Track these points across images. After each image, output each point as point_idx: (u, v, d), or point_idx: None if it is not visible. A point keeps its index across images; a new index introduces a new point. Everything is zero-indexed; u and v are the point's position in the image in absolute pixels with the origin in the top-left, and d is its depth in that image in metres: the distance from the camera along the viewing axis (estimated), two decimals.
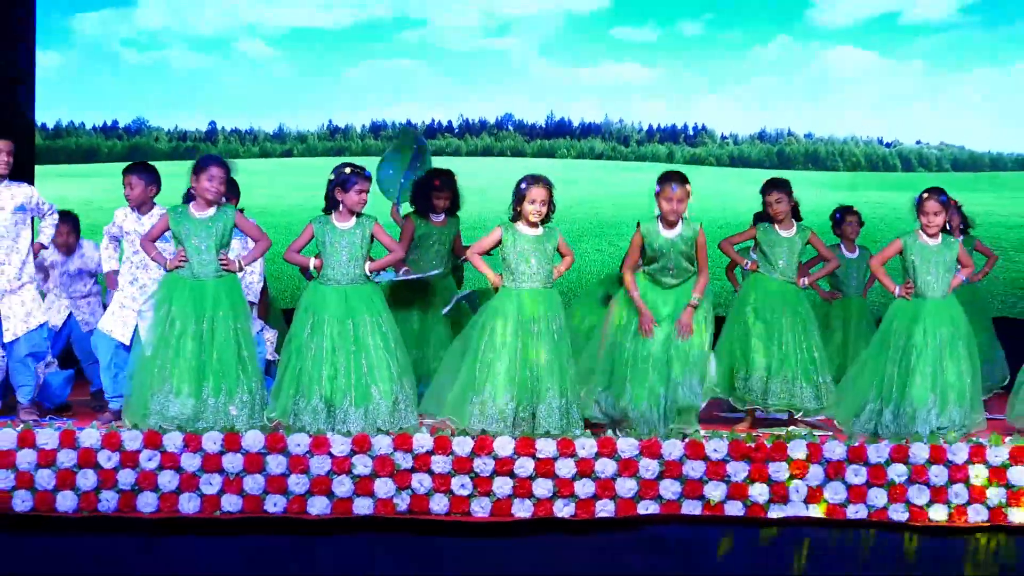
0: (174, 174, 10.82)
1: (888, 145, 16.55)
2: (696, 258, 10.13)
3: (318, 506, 8.94)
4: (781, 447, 9.15)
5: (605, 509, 9.02)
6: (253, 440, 8.96)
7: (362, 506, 8.96)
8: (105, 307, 11.42)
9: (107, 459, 8.91)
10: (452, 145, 16.22)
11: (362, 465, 8.97)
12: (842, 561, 9.11)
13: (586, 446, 9.06)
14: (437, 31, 16.40)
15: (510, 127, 16.43)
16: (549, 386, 9.57)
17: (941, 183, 10.53)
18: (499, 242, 9.76)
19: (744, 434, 9.48)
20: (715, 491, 9.06)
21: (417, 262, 11.58)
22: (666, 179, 9.97)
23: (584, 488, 9.01)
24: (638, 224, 10.10)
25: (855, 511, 9.09)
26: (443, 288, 11.68)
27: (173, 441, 8.95)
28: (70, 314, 11.88)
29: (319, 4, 16.28)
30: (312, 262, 9.68)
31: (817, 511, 9.10)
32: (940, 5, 16.44)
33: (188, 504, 8.90)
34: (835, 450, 9.16)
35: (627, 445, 9.09)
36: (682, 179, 9.96)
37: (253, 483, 8.93)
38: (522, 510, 8.99)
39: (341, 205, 9.61)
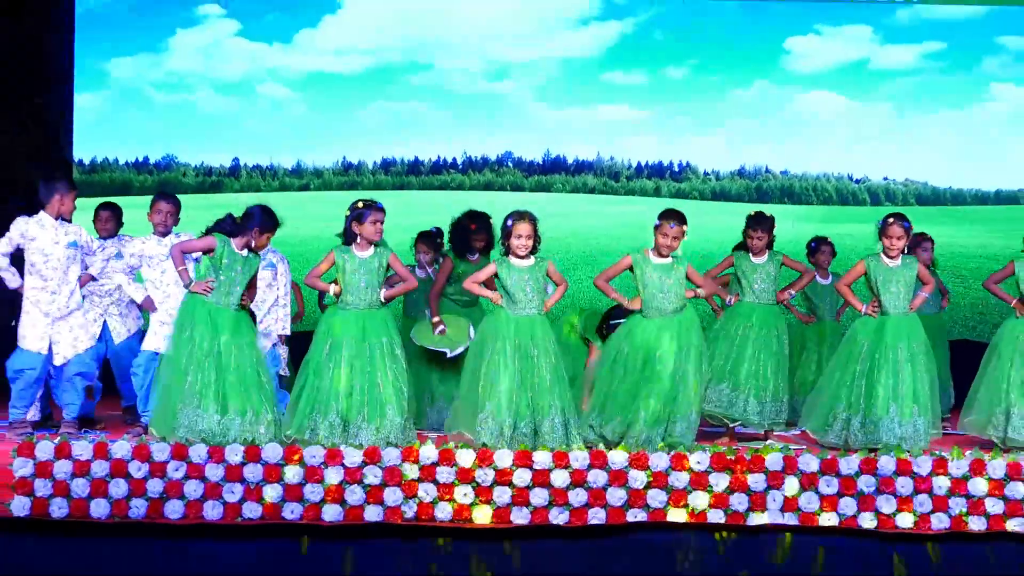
0: (200, 207, 10.86)
1: (857, 181, 16.55)
2: (693, 283, 10.25)
3: (332, 513, 8.92)
4: (759, 460, 9.14)
5: (597, 516, 9.01)
6: (272, 452, 8.96)
7: (372, 513, 8.94)
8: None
9: (137, 469, 8.90)
10: (456, 180, 16.23)
11: (372, 475, 8.96)
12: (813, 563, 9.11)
13: (579, 458, 9.05)
14: (443, 75, 16.42)
15: (510, 164, 16.42)
16: (551, 404, 9.65)
17: (906, 215, 10.53)
18: (495, 275, 9.81)
19: (725, 448, 9.47)
20: (699, 500, 9.05)
21: (452, 296, 11.65)
22: (667, 216, 10.06)
23: (577, 497, 9.00)
24: (631, 252, 10.15)
25: (828, 519, 9.08)
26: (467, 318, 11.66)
27: (198, 453, 8.94)
28: (104, 325, 11.81)
29: (335, 51, 16.31)
30: (332, 288, 9.71)
31: (794, 519, 9.09)
32: (905, 53, 16.46)
33: (212, 511, 8.88)
34: (809, 463, 9.15)
35: (617, 457, 9.09)
36: (681, 219, 10.03)
37: (272, 492, 8.92)
38: (520, 517, 8.98)
39: (359, 237, 9.64)
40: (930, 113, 16.53)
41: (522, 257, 9.83)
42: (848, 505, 9.10)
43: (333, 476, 8.96)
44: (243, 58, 16.27)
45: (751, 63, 16.42)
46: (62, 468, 8.87)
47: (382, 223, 9.71)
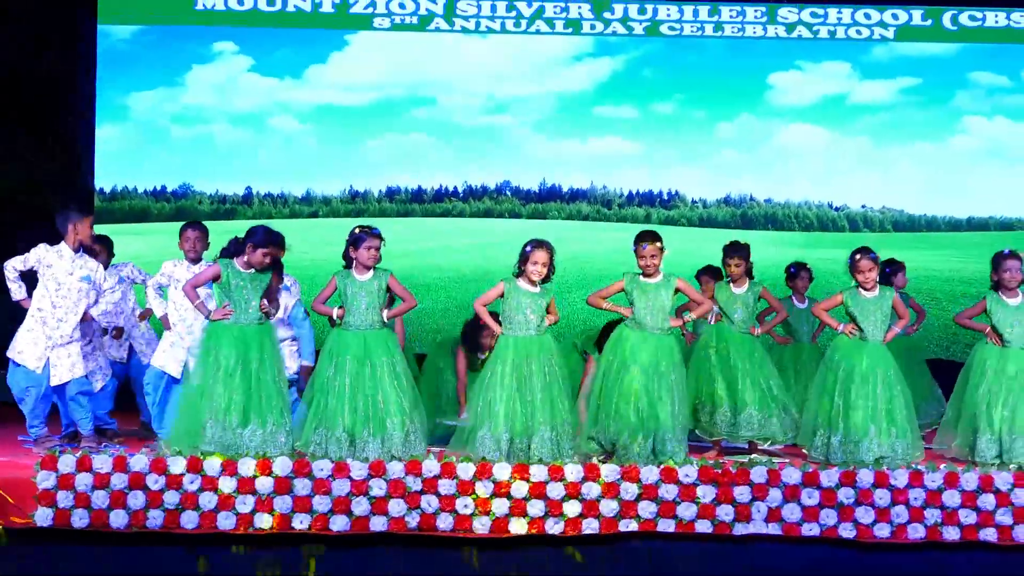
0: (215, 233, 10.88)
1: (837, 209, 16.54)
2: (687, 296, 10.31)
3: (339, 523, 8.92)
4: (744, 473, 9.14)
5: (590, 526, 9.01)
6: (282, 465, 8.96)
7: (378, 523, 8.95)
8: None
9: (154, 482, 8.91)
10: (457, 208, 16.23)
11: (378, 487, 8.97)
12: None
13: (574, 471, 9.06)
14: (445, 109, 16.42)
15: (508, 192, 16.42)
16: (542, 421, 9.62)
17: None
18: (502, 294, 9.81)
19: (712, 461, 9.46)
20: (687, 511, 9.04)
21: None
22: (639, 239, 10.14)
23: (572, 508, 9.00)
24: (624, 274, 10.14)
25: (809, 529, 9.07)
26: None
27: (212, 466, 8.94)
28: (132, 348, 11.87)
29: (343, 85, 16.31)
30: (335, 312, 9.72)
31: (777, 529, 9.08)
32: (882, 88, 16.47)
33: (225, 521, 8.88)
34: (792, 475, 9.15)
35: (609, 471, 9.10)
36: (653, 237, 10.05)
37: (282, 503, 8.91)
38: (518, 527, 8.98)
39: (355, 261, 9.66)
40: (906, 145, 16.53)
41: (532, 283, 9.82)
42: (829, 516, 9.10)
43: (340, 488, 8.96)
44: (256, 92, 16.28)
45: (736, 97, 16.44)
46: (83, 480, 8.88)
47: (377, 249, 9.72)
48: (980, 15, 16.18)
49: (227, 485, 8.93)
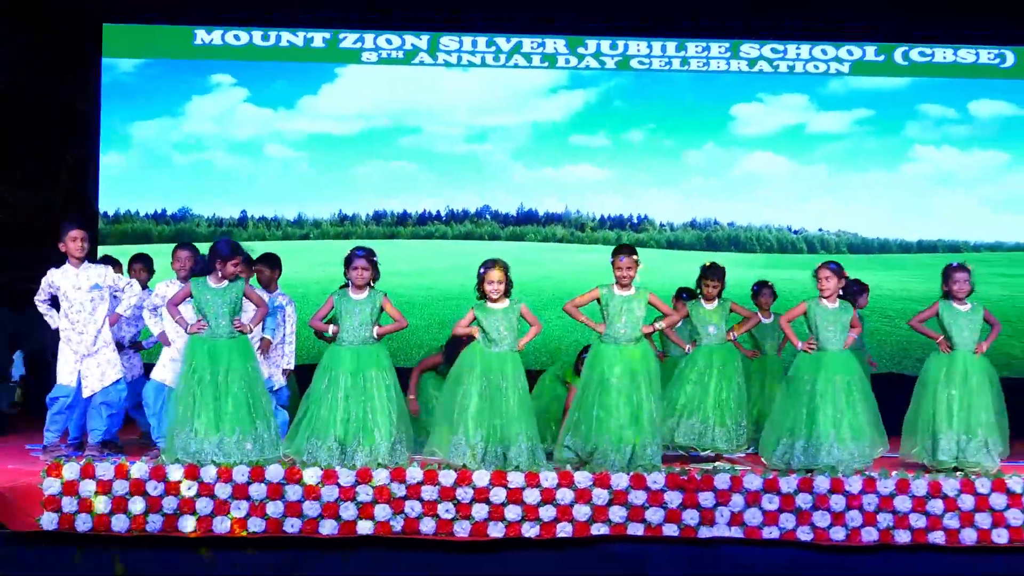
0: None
1: (796, 232, 16.58)
2: (657, 309, 10.33)
3: (328, 527, 8.90)
4: (709, 480, 9.14)
5: (564, 530, 9.00)
6: (274, 473, 8.95)
7: (364, 527, 8.94)
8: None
9: (154, 488, 8.89)
10: (440, 231, 16.24)
11: (364, 494, 8.96)
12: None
13: (549, 478, 9.06)
14: (428, 138, 16.43)
15: (488, 216, 16.42)
16: (518, 431, 9.67)
17: (838, 262, 10.61)
18: (474, 319, 9.85)
19: (679, 469, 9.47)
20: (655, 515, 9.04)
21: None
22: (617, 251, 10.21)
23: (547, 512, 9.00)
24: (599, 285, 10.20)
25: (769, 532, 9.08)
26: None
27: (208, 473, 8.93)
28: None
29: (333, 116, 16.32)
30: (331, 328, 9.78)
31: (740, 532, 9.09)
32: (838, 119, 16.52)
33: (221, 525, 8.87)
34: (753, 482, 9.15)
35: (582, 478, 9.09)
36: (630, 251, 10.18)
37: (274, 508, 8.90)
38: (496, 531, 8.97)
39: (348, 281, 9.71)
40: (860, 172, 16.58)
41: (495, 300, 9.87)
42: (788, 520, 9.11)
43: (329, 494, 8.95)
44: (251, 122, 16.28)
45: (701, 127, 16.47)
46: (87, 487, 8.86)
47: (363, 268, 9.77)
48: (929, 51, 16.26)
49: (223, 491, 8.91)
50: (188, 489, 8.91)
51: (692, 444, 11.23)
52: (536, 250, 15.91)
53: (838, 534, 9.13)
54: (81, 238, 10.66)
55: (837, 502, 9.16)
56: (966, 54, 16.31)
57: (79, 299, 10.61)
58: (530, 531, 8.99)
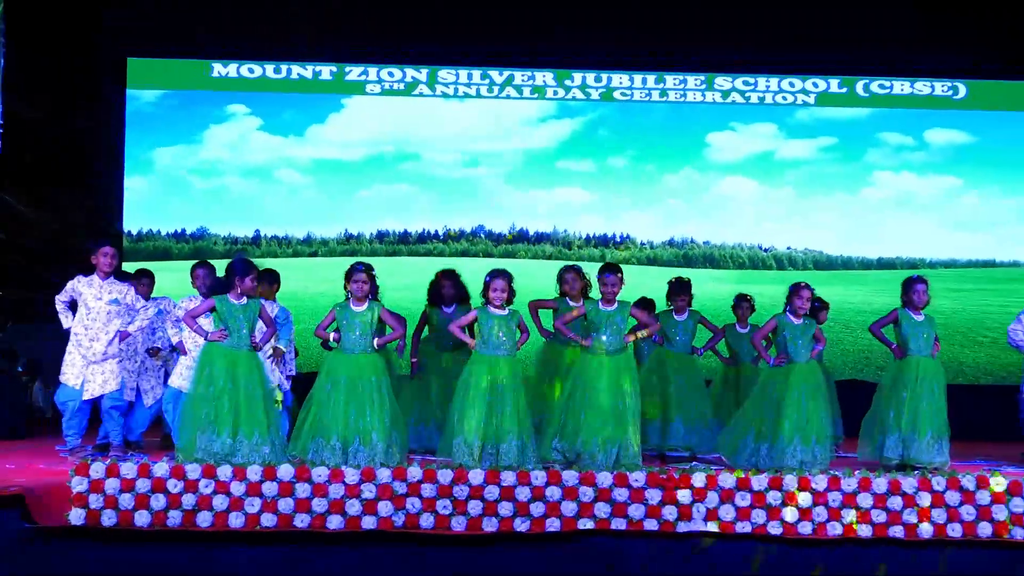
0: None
1: (766, 250, 16.59)
2: (637, 322, 10.41)
3: (335, 522, 8.88)
4: (686, 478, 9.14)
5: (553, 525, 8.98)
6: (285, 472, 8.93)
7: (368, 522, 8.91)
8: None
9: (174, 486, 8.86)
10: (438, 248, 16.25)
11: (368, 491, 8.93)
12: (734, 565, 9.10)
13: (538, 477, 9.04)
14: (427, 163, 16.44)
15: (482, 235, 16.43)
16: (510, 431, 9.69)
17: (804, 278, 10.70)
18: (475, 320, 9.89)
19: (658, 468, 9.48)
20: (636, 511, 9.03)
21: (439, 340, 11.80)
22: (603, 270, 10.33)
23: (537, 509, 8.98)
24: (586, 302, 10.45)
25: (742, 526, 9.07)
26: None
27: (224, 472, 8.91)
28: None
29: (339, 143, 16.33)
30: (332, 336, 9.79)
31: (715, 526, 9.08)
32: (804, 146, 16.55)
33: (235, 520, 8.84)
34: (727, 480, 9.14)
35: (570, 476, 9.08)
36: (616, 269, 10.30)
37: (285, 504, 8.88)
38: (490, 525, 8.95)
39: (349, 293, 9.71)
40: (825, 195, 16.61)
41: (498, 307, 9.90)
42: (759, 515, 9.10)
43: (336, 492, 8.93)
44: (264, 149, 16.29)
45: (679, 153, 16.50)
46: (112, 485, 8.83)
47: (362, 282, 9.83)
48: (888, 84, 16.31)
49: (237, 489, 8.90)
50: (206, 487, 8.90)
51: (657, 444, 11.26)
52: (526, 267, 15.91)
53: (805, 528, 9.12)
54: (111, 255, 10.75)
55: (805, 499, 9.16)
56: (922, 86, 16.35)
57: (98, 309, 10.65)
58: (521, 526, 8.97)
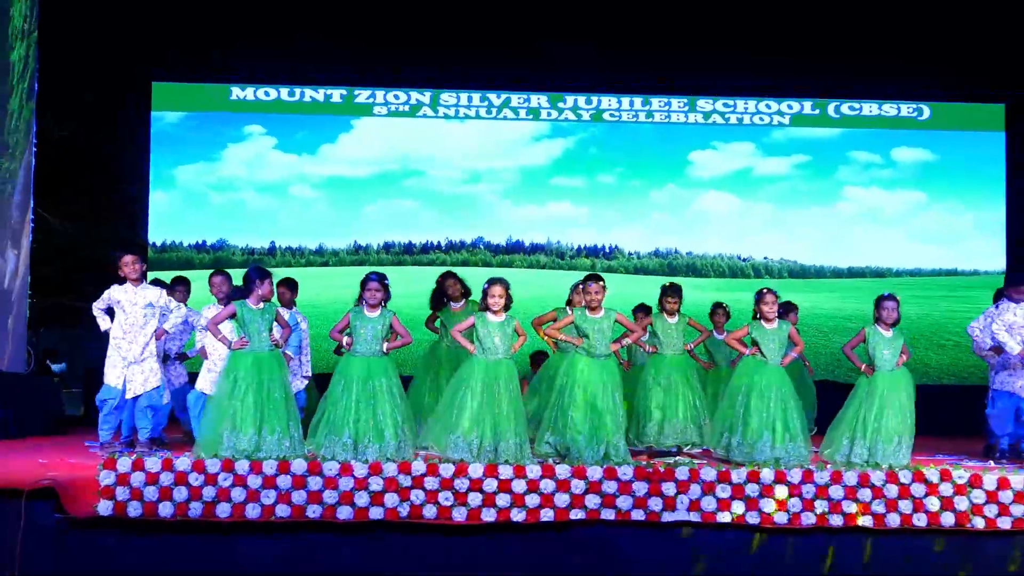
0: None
1: (744, 260, 16.61)
2: (624, 327, 10.39)
3: (344, 513, 8.87)
4: (671, 472, 9.14)
5: (547, 515, 8.97)
6: (298, 466, 8.92)
7: (375, 513, 8.89)
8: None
9: (195, 479, 8.85)
10: (440, 259, 16.25)
11: (375, 484, 8.92)
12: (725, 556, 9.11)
13: (533, 471, 9.03)
14: (430, 180, 16.46)
15: (481, 246, 16.44)
16: (508, 429, 9.66)
17: (781, 287, 10.82)
18: (473, 325, 9.89)
19: (645, 463, 9.49)
20: (624, 502, 9.03)
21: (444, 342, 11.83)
22: (586, 280, 10.38)
23: (532, 500, 8.97)
24: (574, 310, 10.40)
25: (723, 516, 9.07)
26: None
27: (242, 467, 8.90)
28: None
29: (349, 161, 16.35)
30: (345, 340, 9.79)
31: (697, 516, 9.08)
32: (780, 163, 16.57)
33: (252, 511, 8.82)
34: (708, 474, 9.15)
35: (562, 470, 9.08)
36: (597, 278, 10.31)
37: (298, 496, 8.87)
38: (488, 516, 8.94)
39: (363, 300, 9.71)
40: (799, 209, 16.63)
41: (495, 313, 9.90)
42: (738, 506, 9.10)
43: (345, 484, 8.92)
44: (279, 166, 16.30)
45: (663, 170, 16.52)
46: (137, 478, 8.81)
47: (375, 290, 9.79)
48: (858, 106, 16.35)
49: (254, 482, 8.90)
50: (225, 480, 8.89)
51: (679, 443, 11.21)
52: (522, 275, 15.93)
53: (781, 518, 9.12)
54: (133, 261, 10.76)
55: (780, 491, 9.17)
56: (889, 108, 16.39)
57: (134, 313, 10.68)
58: (517, 516, 8.96)
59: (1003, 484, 9.31)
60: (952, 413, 12.96)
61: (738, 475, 9.19)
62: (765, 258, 16.66)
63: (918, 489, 9.26)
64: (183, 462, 8.93)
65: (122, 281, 10.78)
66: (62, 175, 15.10)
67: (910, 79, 15.96)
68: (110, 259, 10.87)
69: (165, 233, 15.97)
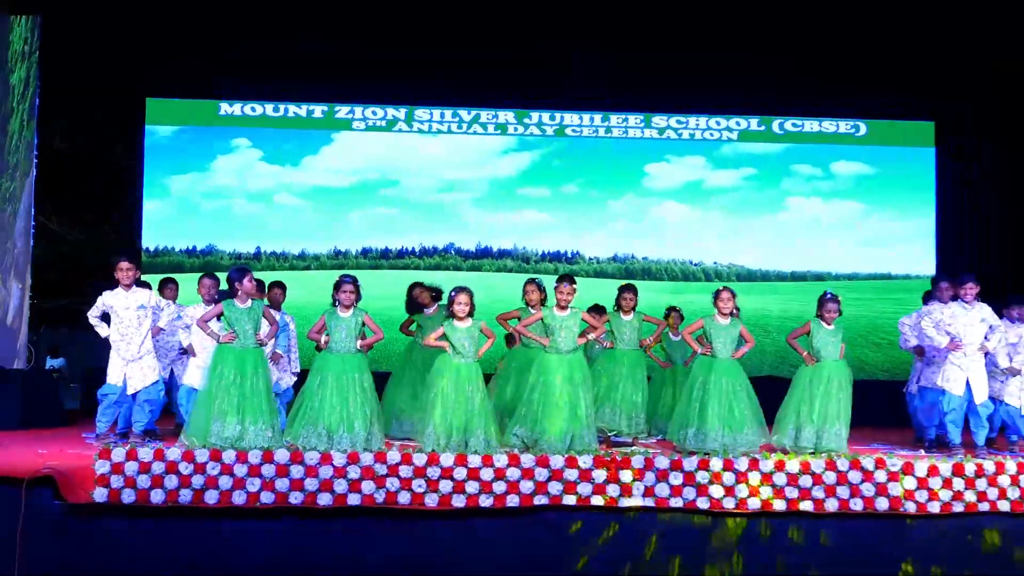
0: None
1: (696, 264, 16.64)
2: (587, 325, 10.37)
3: (324, 499, 8.86)
4: (627, 460, 9.15)
5: (512, 501, 8.99)
6: (281, 456, 8.90)
7: (353, 499, 8.89)
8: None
9: (185, 467, 8.83)
10: (414, 263, 16.22)
11: (353, 472, 8.91)
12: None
13: (500, 459, 9.05)
14: (406, 189, 16.43)
15: (453, 252, 16.42)
16: (478, 426, 9.64)
17: None
18: (443, 335, 9.86)
19: (604, 451, 9.49)
20: (585, 489, 9.03)
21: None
22: (560, 280, 10.30)
23: (499, 487, 8.99)
24: (543, 308, 10.43)
25: (675, 501, 9.10)
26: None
27: (229, 456, 8.87)
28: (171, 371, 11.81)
29: (330, 171, 16.30)
30: (322, 339, 9.76)
31: (652, 502, 9.10)
32: (729, 175, 16.62)
33: (238, 498, 8.81)
34: (662, 462, 9.17)
35: (527, 459, 9.08)
36: (571, 280, 10.29)
37: (281, 484, 8.86)
38: (458, 501, 8.95)
39: (337, 301, 9.68)
40: (746, 218, 16.67)
41: (461, 319, 9.86)
42: (690, 492, 9.12)
43: (325, 472, 8.90)
44: (265, 176, 16.24)
45: (621, 181, 16.54)
46: (131, 467, 8.78)
47: (350, 292, 9.79)
48: (800, 123, 16.42)
49: (240, 470, 8.86)
50: (212, 469, 8.85)
51: (603, 426, 11.22)
52: (491, 279, 15.92)
53: (729, 503, 9.15)
54: (127, 268, 10.69)
55: (728, 478, 9.19)
56: (829, 125, 16.47)
57: (128, 316, 10.63)
58: (485, 502, 8.96)
59: (933, 471, 9.37)
60: (886, 406, 13.03)
61: (690, 463, 9.21)
62: (715, 263, 16.70)
63: (855, 476, 9.31)
64: (174, 452, 8.90)
65: (113, 286, 10.72)
66: (63, 185, 15.04)
67: (848, 98, 16.05)
68: (111, 263, 10.83)
69: (158, 239, 15.88)
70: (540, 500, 9.04)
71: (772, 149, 16.56)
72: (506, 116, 16.28)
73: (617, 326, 11.41)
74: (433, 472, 9.00)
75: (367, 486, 8.92)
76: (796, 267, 16.60)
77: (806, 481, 9.24)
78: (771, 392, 11.16)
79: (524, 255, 16.49)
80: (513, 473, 9.04)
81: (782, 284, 16.53)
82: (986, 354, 11.18)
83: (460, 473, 9.00)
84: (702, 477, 9.18)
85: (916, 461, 9.46)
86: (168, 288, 11.91)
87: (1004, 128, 15.94)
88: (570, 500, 9.04)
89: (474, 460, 9.03)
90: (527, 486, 9.03)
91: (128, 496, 8.75)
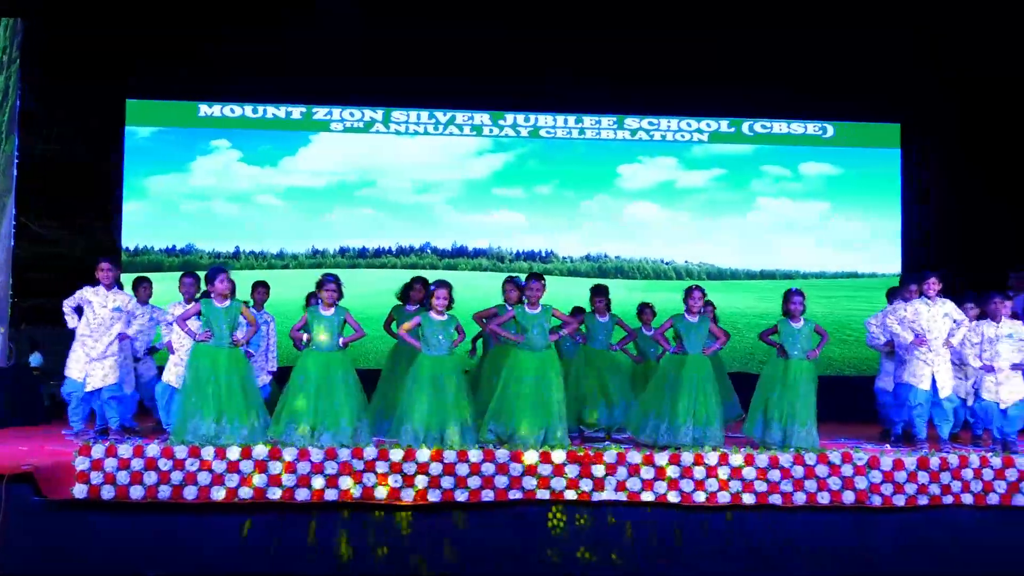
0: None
1: (667, 263, 16.66)
2: (560, 322, 10.39)
3: (302, 494, 8.84)
4: (599, 456, 9.16)
5: (487, 496, 8.98)
6: (259, 452, 8.88)
7: (331, 494, 8.88)
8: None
9: (164, 464, 8.81)
10: (391, 262, 16.19)
11: (331, 468, 8.91)
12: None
13: (475, 455, 9.05)
14: (383, 190, 16.38)
15: (429, 251, 16.39)
16: (453, 419, 9.61)
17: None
18: (419, 324, 9.84)
19: (577, 447, 9.50)
20: (558, 484, 9.04)
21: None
22: (530, 278, 10.31)
23: (474, 481, 8.99)
24: (515, 307, 10.39)
25: (647, 496, 9.11)
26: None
27: (207, 452, 8.85)
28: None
29: (309, 172, 16.24)
30: (304, 337, 9.76)
31: (622, 496, 9.11)
32: (699, 176, 16.64)
33: (217, 493, 8.79)
34: (634, 457, 9.18)
35: (502, 454, 9.09)
36: (539, 277, 10.31)
37: (259, 479, 8.84)
38: (434, 496, 8.95)
39: (320, 300, 9.68)
40: (716, 217, 16.70)
41: (439, 313, 9.84)
42: (660, 486, 9.14)
43: (303, 468, 8.89)
44: (244, 177, 16.17)
45: (594, 182, 16.54)
46: (110, 464, 8.77)
47: (332, 291, 9.81)
48: (769, 124, 16.45)
49: (218, 466, 8.84)
50: (191, 465, 8.82)
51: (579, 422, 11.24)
52: (466, 277, 15.90)
53: (699, 497, 9.18)
54: (107, 268, 10.71)
55: (699, 472, 9.21)
56: (797, 127, 16.51)
57: (102, 315, 10.63)
58: (461, 496, 8.97)
59: (898, 465, 9.42)
60: (853, 401, 13.08)
61: (660, 458, 9.23)
62: (686, 262, 16.72)
63: (822, 470, 9.35)
64: (153, 448, 8.88)
65: (96, 283, 10.71)
66: (44, 186, 14.90)
67: (816, 101, 16.10)
68: (94, 262, 10.81)
69: (138, 239, 15.80)
70: (514, 495, 9.04)
71: (742, 150, 16.60)
72: (481, 118, 16.27)
73: (592, 327, 11.44)
74: (409, 468, 9.00)
75: (344, 481, 8.91)
76: (765, 266, 16.65)
77: (775, 475, 9.28)
78: (741, 388, 11.21)
79: (499, 254, 16.48)
80: (488, 468, 9.05)
81: (751, 283, 16.57)
82: (954, 352, 11.22)
83: (436, 468, 9.01)
84: (673, 472, 9.20)
85: (882, 455, 9.51)
86: (142, 287, 11.82)
87: (964, 131, 16.01)
88: (544, 495, 9.05)
89: (449, 456, 9.04)
90: (502, 481, 9.04)
91: (108, 492, 8.73)
